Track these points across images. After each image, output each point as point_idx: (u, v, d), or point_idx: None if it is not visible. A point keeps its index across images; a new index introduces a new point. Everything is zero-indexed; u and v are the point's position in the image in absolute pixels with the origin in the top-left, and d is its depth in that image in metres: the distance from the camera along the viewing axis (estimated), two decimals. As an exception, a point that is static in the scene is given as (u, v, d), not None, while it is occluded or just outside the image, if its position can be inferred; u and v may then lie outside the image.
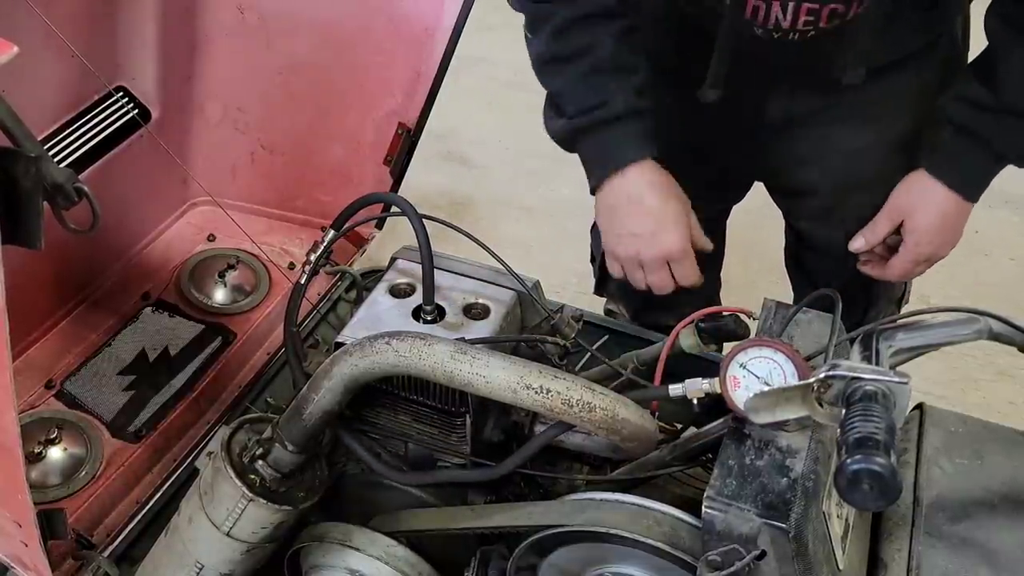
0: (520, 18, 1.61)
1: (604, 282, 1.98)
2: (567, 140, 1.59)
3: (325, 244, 1.62)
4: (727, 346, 1.30)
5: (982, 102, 1.47)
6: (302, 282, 1.61)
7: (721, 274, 3.20)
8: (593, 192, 1.58)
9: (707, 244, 1.56)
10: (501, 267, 1.52)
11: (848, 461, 0.91)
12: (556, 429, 1.30)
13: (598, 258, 1.91)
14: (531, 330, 1.58)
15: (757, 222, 3.44)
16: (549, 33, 1.50)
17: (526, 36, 1.61)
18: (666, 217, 1.51)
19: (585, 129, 1.53)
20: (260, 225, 2.28)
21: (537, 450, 1.31)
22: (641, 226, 1.53)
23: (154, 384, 1.96)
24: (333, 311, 2.17)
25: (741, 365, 1.16)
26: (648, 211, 1.52)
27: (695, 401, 1.23)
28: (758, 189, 3.66)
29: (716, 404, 1.24)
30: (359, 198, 1.59)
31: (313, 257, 1.62)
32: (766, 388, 1.14)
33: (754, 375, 1.15)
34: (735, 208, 3.48)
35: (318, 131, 2.17)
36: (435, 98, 2.02)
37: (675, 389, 1.24)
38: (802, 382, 1.05)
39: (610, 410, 1.19)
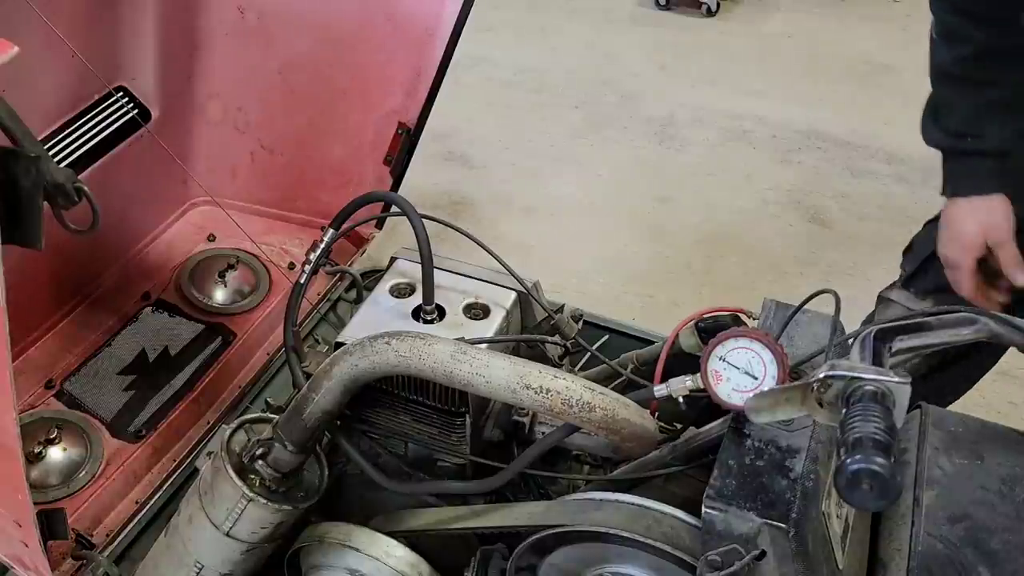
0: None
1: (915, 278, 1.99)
2: (937, 147, 1.63)
3: (324, 243, 1.62)
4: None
5: None
6: (302, 281, 1.61)
7: (724, 274, 3.21)
8: (943, 194, 1.64)
9: (1016, 277, 1.57)
10: (501, 267, 1.52)
11: (848, 461, 0.91)
12: (553, 437, 1.29)
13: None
14: (532, 330, 1.58)
15: (756, 222, 3.45)
16: (966, 56, 1.53)
17: (933, 36, 1.59)
18: (961, 243, 1.59)
19: (955, 150, 1.59)
20: (260, 225, 2.28)
21: (535, 458, 1.31)
22: (950, 243, 1.62)
23: (154, 384, 1.97)
24: (333, 311, 2.17)
25: (720, 358, 1.16)
26: (958, 234, 1.60)
27: (681, 400, 1.23)
28: (753, 189, 3.66)
29: (716, 403, 1.24)
30: (358, 197, 1.59)
31: (313, 256, 1.62)
32: (748, 378, 1.14)
33: (734, 367, 1.16)
34: (735, 208, 3.50)
35: (318, 131, 2.17)
36: (435, 98, 2.02)
37: (660, 389, 1.25)
38: (802, 382, 1.05)
39: (610, 410, 1.19)
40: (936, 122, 1.60)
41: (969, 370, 1.96)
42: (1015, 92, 1.54)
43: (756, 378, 1.14)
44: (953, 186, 1.60)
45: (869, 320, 1.86)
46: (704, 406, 1.30)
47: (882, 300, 1.97)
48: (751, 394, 1.12)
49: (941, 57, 1.57)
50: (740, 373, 1.15)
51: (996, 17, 1.48)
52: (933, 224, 1.90)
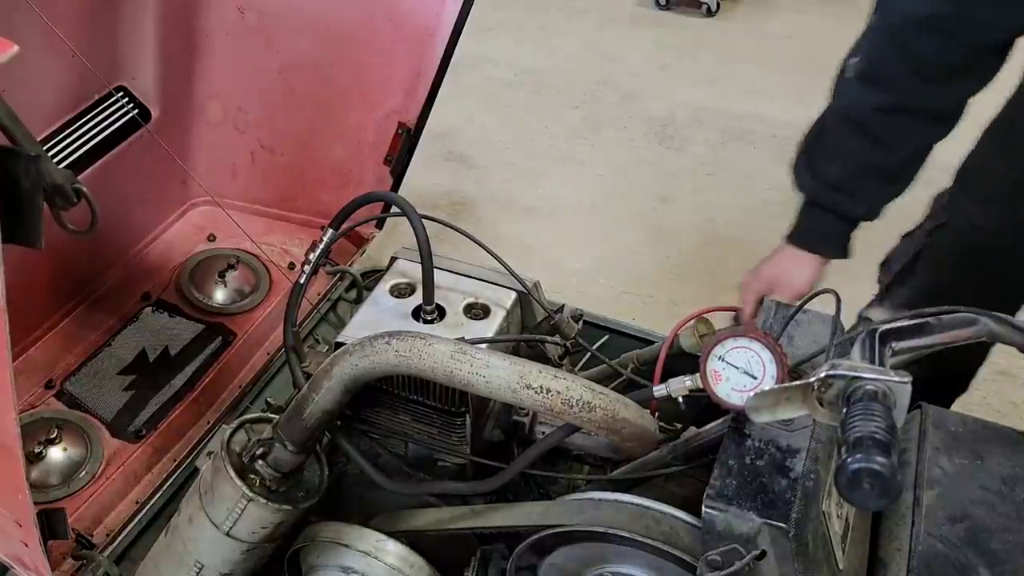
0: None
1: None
2: (802, 189, 1.58)
3: (324, 243, 1.62)
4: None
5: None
6: (301, 281, 1.61)
7: (724, 274, 3.20)
8: (788, 238, 1.62)
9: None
10: (501, 267, 1.52)
11: (849, 460, 0.91)
12: (554, 437, 1.29)
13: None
14: (532, 330, 1.58)
15: (757, 222, 3.45)
16: (875, 106, 1.44)
17: (847, 76, 1.48)
18: (793, 291, 1.59)
19: (821, 203, 1.55)
20: (260, 225, 2.28)
21: (535, 458, 1.31)
22: (781, 287, 1.61)
23: (154, 384, 1.97)
24: (333, 311, 2.17)
25: (719, 358, 1.16)
26: (793, 282, 1.59)
27: (680, 400, 1.24)
28: (754, 189, 3.67)
29: (716, 403, 1.24)
30: (357, 197, 1.58)
31: (312, 256, 1.62)
32: (747, 378, 1.15)
33: (733, 366, 1.15)
34: (735, 208, 3.49)
35: (318, 131, 2.17)
36: (435, 97, 2.02)
37: (660, 389, 1.25)
38: (802, 382, 1.05)
39: (610, 410, 1.19)
40: (811, 168, 1.54)
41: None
42: (903, 163, 1.49)
43: (755, 378, 1.15)
44: (804, 238, 1.58)
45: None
46: (704, 406, 1.30)
47: (862, 320, 1.95)
48: (750, 394, 1.12)
49: (853, 99, 1.47)
50: (739, 373, 1.15)
51: (939, 71, 1.41)
52: (909, 238, 1.90)
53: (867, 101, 1.45)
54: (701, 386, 1.18)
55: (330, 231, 1.61)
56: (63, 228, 1.18)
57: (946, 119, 1.47)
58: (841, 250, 1.59)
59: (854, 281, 2.97)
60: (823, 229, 1.56)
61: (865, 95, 1.45)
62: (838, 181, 1.51)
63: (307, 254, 1.63)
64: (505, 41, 4.57)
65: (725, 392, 1.16)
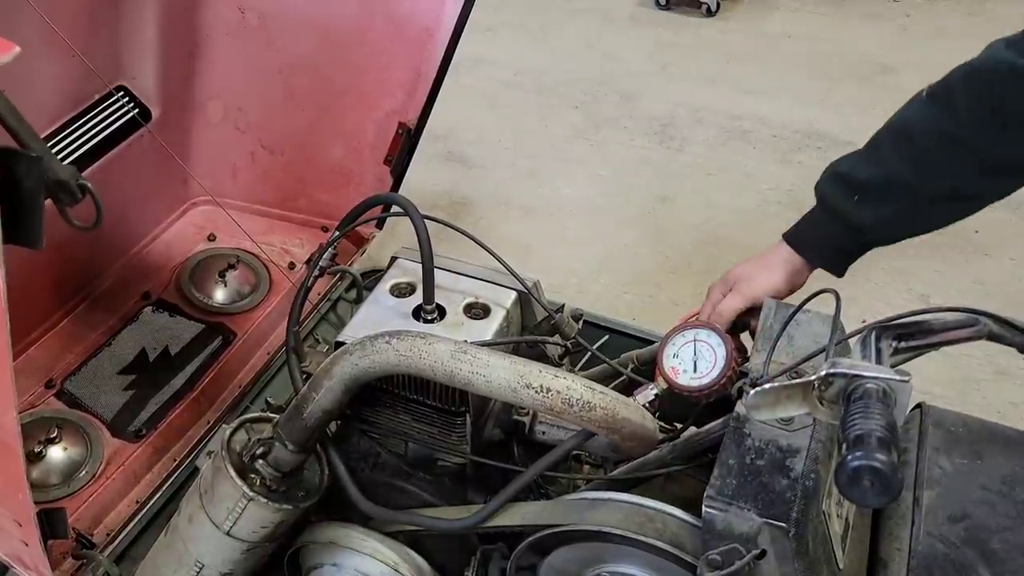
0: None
1: None
2: (817, 187, 1.47)
3: (328, 244, 1.62)
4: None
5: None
6: (308, 284, 1.61)
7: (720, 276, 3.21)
8: (786, 236, 1.51)
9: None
10: (501, 267, 1.52)
11: (849, 457, 0.91)
12: (537, 467, 1.29)
13: None
14: (532, 330, 1.58)
15: (757, 222, 3.45)
16: (942, 130, 1.31)
17: (923, 96, 1.36)
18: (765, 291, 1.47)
19: (827, 200, 1.43)
20: (260, 225, 2.28)
21: (521, 488, 1.31)
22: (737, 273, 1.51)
23: (154, 384, 1.97)
24: (333, 311, 2.17)
25: (673, 355, 1.30)
26: (748, 282, 1.48)
27: (647, 405, 1.32)
28: (753, 189, 3.67)
29: (718, 403, 1.24)
30: (366, 199, 1.58)
31: (320, 260, 1.62)
32: (703, 361, 1.28)
33: (688, 358, 1.29)
34: (735, 208, 3.50)
35: (319, 131, 2.17)
36: (436, 98, 2.02)
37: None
38: (803, 380, 1.05)
39: (610, 409, 1.19)
40: (836, 167, 1.43)
41: None
42: (915, 191, 1.35)
43: (709, 360, 1.27)
44: (795, 236, 1.48)
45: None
46: (704, 406, 1.30)
47: None
48: (714, 372, 1.25)
49: (914, 116, 1.36)
50: (693, 360, 1.28)
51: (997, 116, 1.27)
52: None
53: (934, 120, 1.32)
54: (665, 386, 1.30)
55: (336, 234, 1.62)
56: (69, 224, 1.18)
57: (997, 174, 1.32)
58: (826, 260, 1.45)
59: (855, 282, 2.97)
60: (818, 232, 1.45)
61: (930, 113, 1.33)
62: (857, 184, 1.38)
63: (314, 257, 1.63)
64: (505, 41, 4.57)
65: (686, 380, 1.27)
